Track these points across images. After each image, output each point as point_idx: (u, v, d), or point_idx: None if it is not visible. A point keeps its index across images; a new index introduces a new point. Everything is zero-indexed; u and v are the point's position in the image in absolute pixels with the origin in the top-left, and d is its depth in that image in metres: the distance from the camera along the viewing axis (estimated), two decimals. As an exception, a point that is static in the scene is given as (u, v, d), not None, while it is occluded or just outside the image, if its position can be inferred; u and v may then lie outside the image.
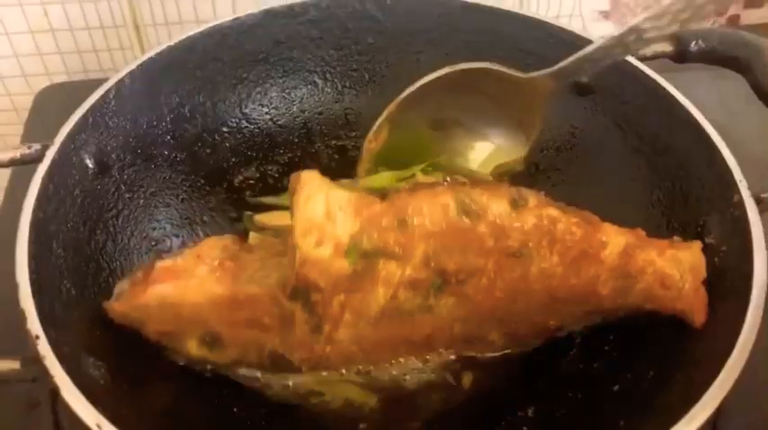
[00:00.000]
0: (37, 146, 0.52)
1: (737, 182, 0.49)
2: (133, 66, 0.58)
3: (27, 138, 0.76)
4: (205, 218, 0.61)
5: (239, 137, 0.65)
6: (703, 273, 0.48)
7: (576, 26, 0.91)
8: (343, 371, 0.50)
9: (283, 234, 0.48)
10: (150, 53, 0.60)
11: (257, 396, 0.49)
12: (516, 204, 0.46)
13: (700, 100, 0.56)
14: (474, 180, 0.47)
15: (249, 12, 0.64)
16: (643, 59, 0.60)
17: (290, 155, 0.66)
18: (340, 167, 0.66)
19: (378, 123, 0.46)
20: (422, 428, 0.50)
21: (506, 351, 0.52)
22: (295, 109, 0.67)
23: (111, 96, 0.56)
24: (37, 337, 0.41)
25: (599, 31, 0.92)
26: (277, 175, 0.65)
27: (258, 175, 0.64)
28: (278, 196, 0.61)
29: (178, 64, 0.61)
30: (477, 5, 0.66)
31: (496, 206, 0.45)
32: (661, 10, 0.47)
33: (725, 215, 0.49)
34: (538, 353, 0.52)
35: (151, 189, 0.59)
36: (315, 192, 0.44)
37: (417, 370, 0.51)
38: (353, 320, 0.46)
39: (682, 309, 0.48)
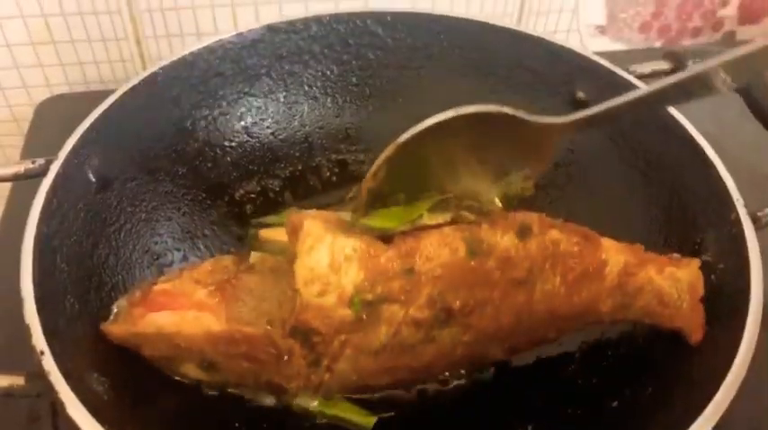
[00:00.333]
0: (41, 160, 0.52)
1: (734, 200, 0.50)
2: (136, 80, 0.59)
3: (28, 149, 0.76)
4: (206, 231, 0.61)
5: (240, 151, 0.66)
6: (701, 292, 0.48)
7: (573, 41, 0.92)
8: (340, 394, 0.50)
9: (286, 251, 0.48)
10: (153, 68, 0.60)
11: (259, 410, 0.49)
12: (523, 234, 0.45)
13: (695, 116, 0.56)
14: (482, 213, 0.46)
15: (251, 27, 0.64)
16: (640, 77, 0.61)
17: (291, 169, 0.67)
18: (340, 181, 0.67)
19: (376, 165, 0.44)
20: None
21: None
22: (296, 123, 0.68)
23: (115, 111, 0.56)
24: (42, 353, 0.41)
25: (596, 46, 0.93)
26: (278, 189, 0.65)
27: (259, 189, 0.65)
28: (279, 214, 0.61)
29: (181, 78, 0.61)
30: (476, 22, 0.67)
31: (505, 240, 0.45)
32: (735, 57, 0.42)
33: (722, 233, 0.50)
34: (536, 369, 0.53)
35: (153, 203, 0.59)
36: (318, 243, 0.43)
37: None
38: (354, 355, 0.46)
39: (679, 326, 0.48)
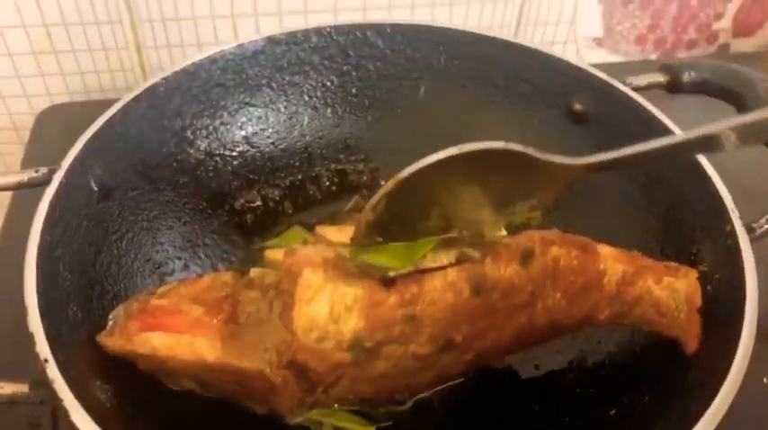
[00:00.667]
0: (44, 169, 0.53)
1: (730, 211, 0.51)
2: (139, 90, 0.59)
3: (28, 158, 0.76)
4: (207, 240, 0.62)
5: (241, 160, 0.66)
6: (698, 302, 0.49)
7: (570, 53, 0.93)
8: (336, 405, 0.49)
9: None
10: (155, 78, 0.60)
11: (261, 418, 0.50)
12: (526, 260, 0.45)
13: (691, 128, 0.57)
14: (485, 244, 0.45)
15: (252, 38, 0.65)
16: (636, 89, 0.62)
17: (291, 178, 0.67)
18: (339, 191, 0.67)
19: (375, 198, 0.43)
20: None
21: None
22: (296, 133, 0.68)
23: (117, 120, 0.57)
24: (46, 361, 0.42)
25: (593, 58, 0.94)
26: (278, 199, 0.66)
27: (259, 198, 0.65)
28: (281, 234, 0.62)
29: (183, 89, 0.62)
30: (474, 34, 0.68)
31: (509, 271, 0.44)
32: (744, 122, 0.43)
33: (718, 244, 0.51)
34: (534, 378, 0.53)
35: (154, 212, 0.59)
36: (318, 295, 0.42)
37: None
38: (350, 382, 0.46)
39: (676, 335, 0.49)
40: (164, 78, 0.61)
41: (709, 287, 0.50)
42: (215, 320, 0.47)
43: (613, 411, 0.49)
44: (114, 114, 0.57)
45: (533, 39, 0.91)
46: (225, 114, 0.65)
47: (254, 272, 0.50)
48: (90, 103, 0.83)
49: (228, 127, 0.66)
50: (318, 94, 0.69)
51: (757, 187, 0.64)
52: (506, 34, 0.88)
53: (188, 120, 0.63)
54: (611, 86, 0.62)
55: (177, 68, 0.62)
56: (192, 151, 0.63)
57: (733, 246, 0.49)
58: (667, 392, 0.47)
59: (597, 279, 0.47)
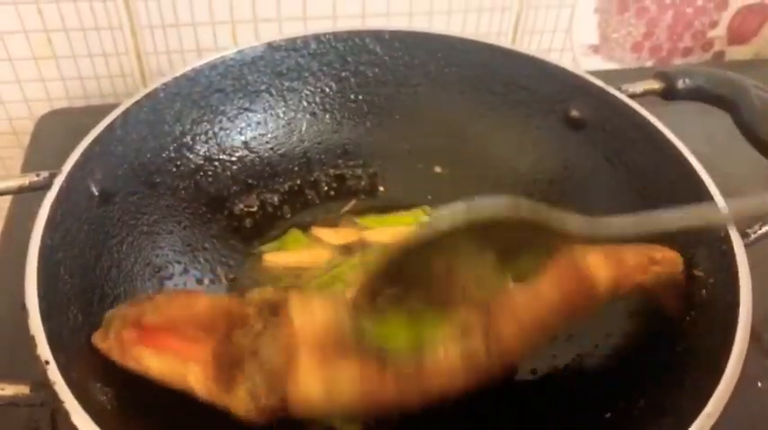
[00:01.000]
0: (45, 173, 0.53)
1: (724, 217, 0.51)
2: (139, 96, 0.59)
3: (28, 162, 0.77)
4: (206, 245, 0.62)
5: (240, 165, 0.67)
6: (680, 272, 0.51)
7: (566, 60, 0.94)
8: None
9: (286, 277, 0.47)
10: (156, 83, 0.61)
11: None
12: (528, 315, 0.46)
13: (688, 137, 0.58)
14: (491, 306, 0.45)
15: (251, 44, 0.66)
16: (632, 96, 0.63)
17: (289, 183, 0.68)
18: (338, 195, 0.68)
19: (375, 264, 0.43)
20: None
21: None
22: (295, 139, 0.69)
23: (118, 125, 0.57)
24: (47, 363, 0.42)
25: (589, 66, 0.95)
26: (277, 203, 0.66)
27: (258, 203, 0.66)
28: (279, 237, 0.62)
29: (183, 94, 0.62)
30: (471, 41, 0.68)
31: (512, 328, 0.45)
32: (744, 207, 0.46)
33: (712, 249, 0.51)
34: (530, 382, 0.54)
35: (154, 216, 0.60)
36: (311, 378, 0.43)
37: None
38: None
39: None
40: (164, 84, 0.61)
41: (703, 291, 0.50)
42: (208, 347, 0.46)
43: (609, 414, 0.50)
44: (115, 119, 0.57)
45: (530, 46, 0.92)
46: (224, 120, 0.66)
47: (252, 292, 0.49)
48: (90, 108, 0.84)
49: (228, 132, 0.66)
50: (317, 99, 0.69)
51: (752, 192, 0.64)
52: (504, 42, 0.88)
53: (188, 126, 0.63)
54: (608, 93, 0.62)
55: (177, 74, 0.62)
56: (191, 156, 0.64)
57: (727, 251, 0.50)
58: (663, 395, 0.48)
59: (588, 290, 0.48)
